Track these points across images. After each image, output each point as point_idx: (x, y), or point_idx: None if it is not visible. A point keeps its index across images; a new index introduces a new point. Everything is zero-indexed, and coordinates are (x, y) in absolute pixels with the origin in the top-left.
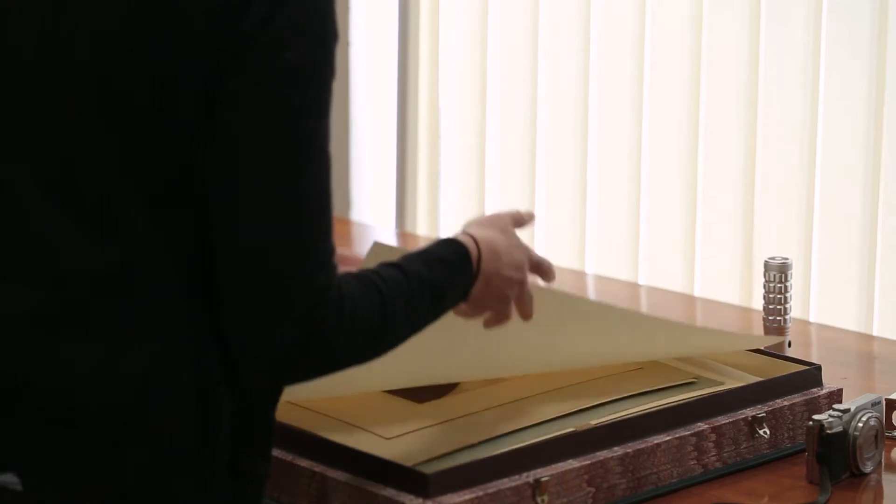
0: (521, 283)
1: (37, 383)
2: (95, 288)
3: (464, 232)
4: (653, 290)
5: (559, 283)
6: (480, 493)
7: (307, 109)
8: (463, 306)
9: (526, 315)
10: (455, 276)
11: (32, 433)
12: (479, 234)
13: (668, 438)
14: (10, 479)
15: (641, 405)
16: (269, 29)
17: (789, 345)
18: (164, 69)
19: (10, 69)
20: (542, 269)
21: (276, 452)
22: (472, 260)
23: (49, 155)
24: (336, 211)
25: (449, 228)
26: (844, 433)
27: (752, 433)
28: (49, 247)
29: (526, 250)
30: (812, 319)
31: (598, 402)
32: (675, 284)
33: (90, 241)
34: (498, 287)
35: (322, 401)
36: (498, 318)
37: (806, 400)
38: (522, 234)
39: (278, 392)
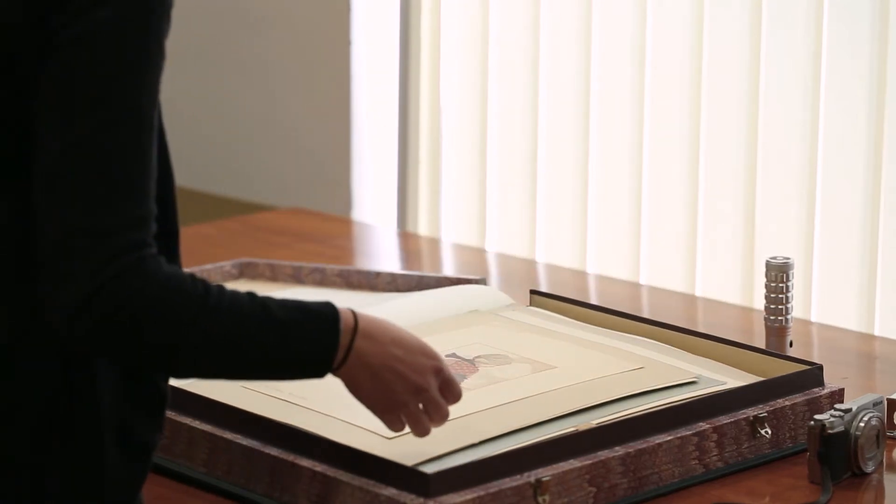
0: (422, 391)
1: None
2: None
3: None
4: (654, 290)
5: (561, 285)
6: (481, 493)
7: (122, 67)
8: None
9: (421, 432)
10: (310, 331)
11: None
12: (372, 318)
13: (669, 438)
14: None
15: (642, 405)
16: None
17: (791, 344)
18: None
19: None
20: (451, 390)
21: (276, 452)
22: (339, 325)
23: None
24: (337, 210)
25: (450, 228)
26: (846, 433)
27: (754, 433)
28: None
29: (435, 360)
30: (813, 319)
31: (599, 402)
32: (677, 284)
33: None
34: (390, 384)
35: (323, 401)
36: (407, 424)
37: (807, 400)
38: (526, 234)
39: (160, 405)
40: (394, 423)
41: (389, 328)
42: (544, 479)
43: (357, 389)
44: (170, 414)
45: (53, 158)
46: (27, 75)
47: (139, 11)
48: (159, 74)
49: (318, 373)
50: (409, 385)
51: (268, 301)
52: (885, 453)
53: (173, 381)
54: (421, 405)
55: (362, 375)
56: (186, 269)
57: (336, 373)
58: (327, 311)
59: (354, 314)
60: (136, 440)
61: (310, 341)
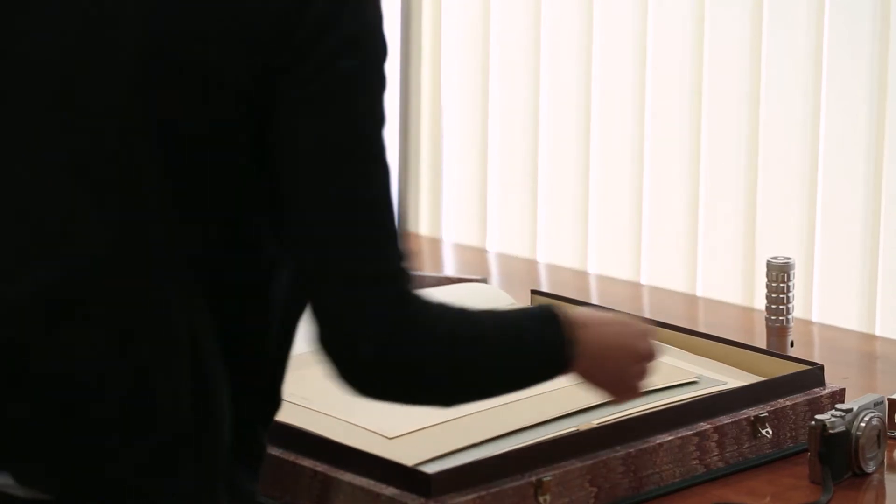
0: (645, 357)
1: (36, 370)
2: (104, 277)
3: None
4: (655, 290)
5: (562, 284)
6: (483, 493)
7: (366, 117)
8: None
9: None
10: (543, 337)
11: (29, 425)
12: (570, 310)
13: (670, 438)
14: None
15: (643, 405)
16: (324, 40)
17: (791, 344)
18: (211, 66)
19: (46, 55)
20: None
21: (277, 452)
22: (561, 324)
23: (80, 140)
24: None
25: (451, 228)
26: (847, 433)
27: (755, 433)
28: (64, 231)
29: (641, 327)
30: (814, 319)
31: (600, 402)
32: (677, 284)
33: (105, 230)
34: (618, 362)
35: (323, 401)
36: (626, 394)
37: (808, 400)
38: (527, 234)
39: (274, 409)
40: (630, 397)
41: (590, 314)
42: (545, 479)
43: (590, 379)
44: None
45: (320, 213)
46: (233, 119)
47: (378, 58)
48: None
49: (557, 373)
50: (631, 357)
51: (509, 315)
52: (885, 453)
53: None
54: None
55: (591, 365)
56: None
57: (569, 371)
58: (546, 313)
59: (564, 312)
60: (241, 489)
61: (546, 345)
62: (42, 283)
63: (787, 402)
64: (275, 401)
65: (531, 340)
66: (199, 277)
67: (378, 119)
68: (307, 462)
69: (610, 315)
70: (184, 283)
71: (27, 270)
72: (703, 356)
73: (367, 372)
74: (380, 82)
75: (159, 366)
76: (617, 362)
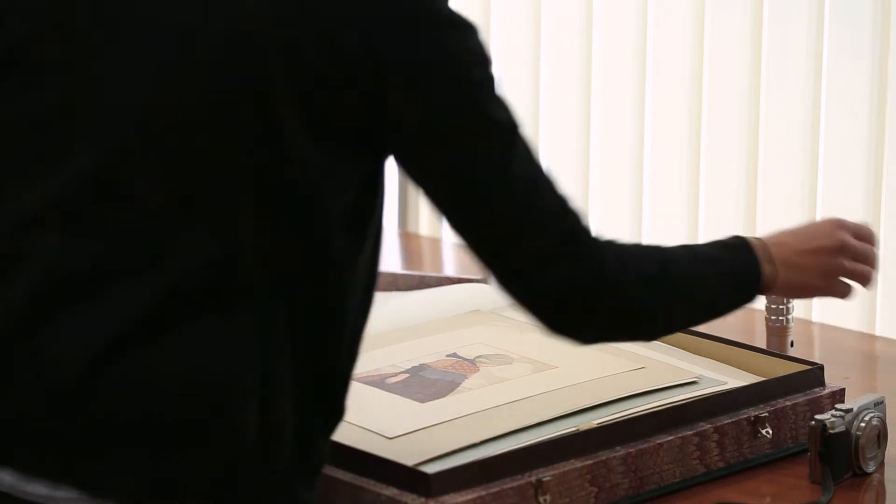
0: (843, 248)
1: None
2: (186, 295)
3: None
4: None
5: None
6: (482, 493)
7: (505, 110)
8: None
9: (866, 280)
10: (737, 258)
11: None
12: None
13: (670, 438)
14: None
15: (644, 405)
16: (449, 56)
17: (792, 344)
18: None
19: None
20: (862, 232)
21: None
22: (755, 248)
23: (179, 158)
24: None
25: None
26: (847, 433)
27: (755, 433)
28: (157, 248)
29: (830, 220)
30: (814, 319)
31: (600, 402)
32: None
33: (194, 244)
34: (815, 263)
35: None
36: (841, 291)
37: (808, 400)
38: None
39: (336, 421)
40: (847, 292)
41: (778, 231)
42: (545, 478)
43: (797, 289)
44: None
45: (498, 196)
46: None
47: (488, 60)
48: None
49: (756, 294)
50: (831, 252)
51: (698, 249)
52: (886, 453)
53: None
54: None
55: (795, 275)
56: None
57: (775, 289)
58: (741, 242)
59: (751, 237)
60: (299, 499)
61: (742, 270)
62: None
63: (787, 402)
64: (338, 413)
65: (727, 268)
66: (278, 292)
67: (503, 107)
68: None
69: (800, 225)
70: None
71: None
72: (703, 356)
73: (582, 318)
74: (488, 80)
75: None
76: (817, 263)
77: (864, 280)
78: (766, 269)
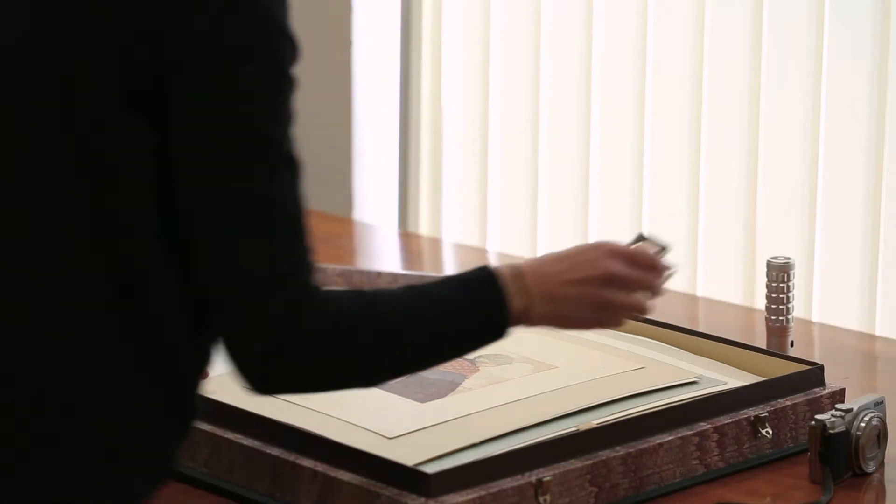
0: (611, 278)
1: None
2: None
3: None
4: None
5: None
6: (482, 493)
7: (272, 117)
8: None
9: (643, 310)
10: (477, 298)
11: None
12: (524, 261)
13: (670, 438)
14: None
15: (643, 405)
16: (223, 41)
17: (792, 344)
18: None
19: None
20: (640, 259)
21: (277, 452)
22: (499, 279)
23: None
24: (338, 210)
25: (451, 228)
26: (847, 433)
27: (755, 433)
28: None
29: (600, 247)
30: (814, 319)
31: (600, 402)
32: (678, 284)
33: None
34: (580, 295)
35: (323, 401)
36: (612, 322)
37: (808, 400)
38: (527, 233)
39: (181, 426)
40: (618, 322)
41: (546, 255)
42: (545, 478)
43: (560, 321)
44: None
45: (221, 211)
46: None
47: (277, 63)
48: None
49: (503, 330)
50: (597, 283)
51: (425, 288)
52: (886, 453)
53: None
54: (623, 290)
55: (555, 307)
56: None
57: (530, 321)
58: (484, 273)
59: (510, 264)
60: (128, 495)
61: (483, 304)
62: None
63: (788, 402)
64: (184, 414)
65: (454, 307)
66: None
67: (286, 119)
68: (307, 462)
69: (566, 250)
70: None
71: None
72: (703, 356)
73: (270, 368)
74: (287, 82)
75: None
76: (581, 294)
77: (638, 310)
78: (516, 302)
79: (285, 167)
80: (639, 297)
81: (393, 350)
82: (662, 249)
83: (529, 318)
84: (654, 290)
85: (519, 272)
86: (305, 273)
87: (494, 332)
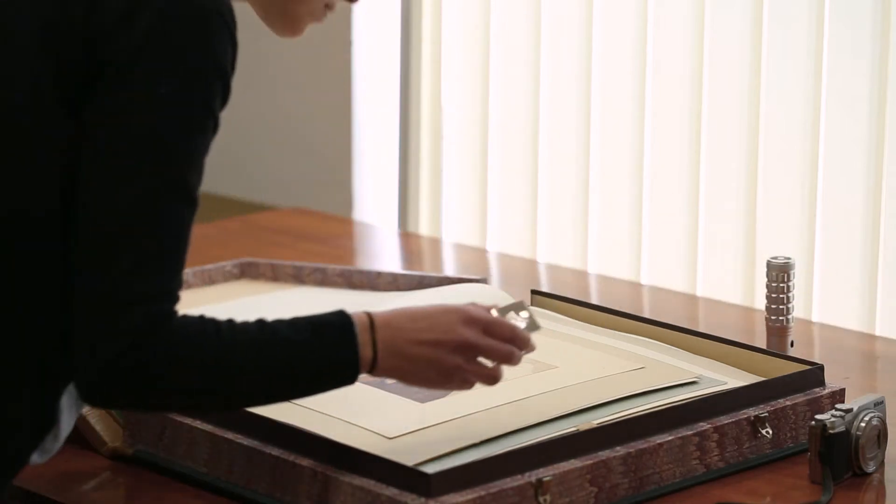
0: (465, 346)
1: None
2: None
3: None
4: (655, 290)
5: (562, 284)
6: (482, 493)
7: (169, 146)
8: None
9: (493, 381)
10: (328, 343)
11: None
12: (386, 311)
13: (670, 438)
14: None
15: (643, 405)
16: (142, 59)
17: (792, 344)
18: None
19: None
20: (497, 329)
21: (277, 452)
22: (354, 328)
23: None
24: (338, 210)
25: (451, 228)
26: (847, 433)
27: (755, 433)
28: None
29: (459, 312)
30: (815, 319)
31: (600, 402)
32: (678, 284)
33: None
34: (430, 357)
35: (323, 401)
36: (459, 387)
37: (808, 400)
38: (527, 233)
39: (36, 427)
40: (467, 387)
41: (405, 311)
42: (545, 478)
43: (406, 378)
44: (172, 414)
45: (94, 222)
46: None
47: (198, 90)
48: (207, 151)
49: (351, 378)
50: (448, 348)
51: (277, 325)
52: (886, 453)
53: None
54: (476, 359)
55: (401, 363)
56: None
57: (376, 372)
58: (338, 319)
59: (367, 313)
60: None
61: (331, 351)
62: None
63: (788, 402)
64: (41, 416)
65: (302, 351)
66: None
67: (186, 152)
68: (307, 462)
69: (427, 307)
70: None
71: None
72: (703, 356)
73: (105, 380)
74: (199, 106)
75: None
76: (430, 357)
77: (487, 380)
78: (363, 352)
79: (181, 199)
80: (490, 366)
81: (229, 385)
82: (532, 324)
83: (375, 370)
84: (509, 360)
85: (371, 324)
86: (167, 301)
87: (340, 379)
